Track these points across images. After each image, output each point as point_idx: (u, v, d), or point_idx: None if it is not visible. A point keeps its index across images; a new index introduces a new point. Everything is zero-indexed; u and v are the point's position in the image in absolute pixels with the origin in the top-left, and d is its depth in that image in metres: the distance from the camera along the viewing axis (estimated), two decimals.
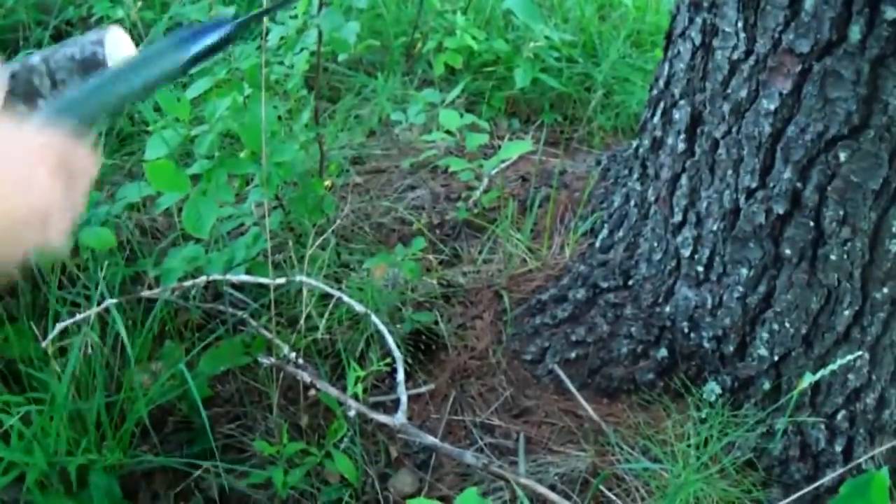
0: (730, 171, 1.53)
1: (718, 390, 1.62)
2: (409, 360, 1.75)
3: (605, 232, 1.89)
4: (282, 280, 1.65)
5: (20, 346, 1.62)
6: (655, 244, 1.72)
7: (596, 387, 1.69)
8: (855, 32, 1.30)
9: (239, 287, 1.82)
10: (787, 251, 1.50)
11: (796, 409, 1.56)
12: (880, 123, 1.34)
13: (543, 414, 1.67)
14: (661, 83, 1.71)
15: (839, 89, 1.35)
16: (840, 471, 1.54)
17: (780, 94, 1.41)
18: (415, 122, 2.20)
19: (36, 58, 0.72)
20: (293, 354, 1.59)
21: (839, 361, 1.41)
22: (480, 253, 1.99)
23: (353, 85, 2.61)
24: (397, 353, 1.60)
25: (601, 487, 1.52)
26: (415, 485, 1.60)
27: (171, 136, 1.67)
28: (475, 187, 2.22)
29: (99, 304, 1.56)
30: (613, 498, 1.52)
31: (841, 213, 1.42)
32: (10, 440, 1.45)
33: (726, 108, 1.51)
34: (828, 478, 1.52)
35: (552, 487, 1.50)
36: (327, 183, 1.97)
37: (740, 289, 1.57)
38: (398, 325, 1.77)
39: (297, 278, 1.63)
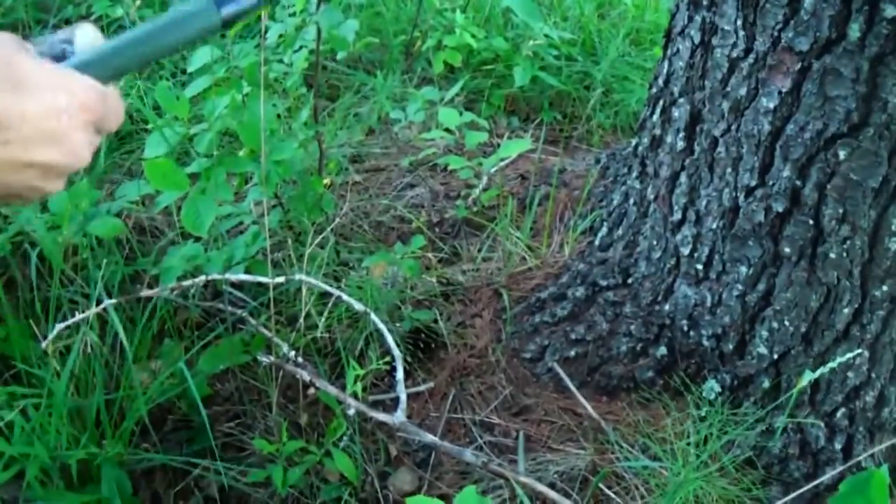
0: (729, 170, 1.53)
1: (718, 388, 1.62)
2: (409, 359, 1.75)
3: (604, 230, 1.89)
4: (281, 279, 1.65)
5: (19, 345, 1.62)
6: (655, 242, 1.72)
7: (595, 385, 1.69)
8: (854, 30, 1.30)
9: (238, 286, 1.82)
10: (787, 249, 1.50)
11: (796, 407, 1.56)
12: (880, 121, 1.33)
13: (543, 412, 1.67)
14: (661, 81, 1.71)
15: (838, 87, 1.35)
16: (840, 469, 1.54)
17: (780, 92, 1.41)
18: (414, 120, 2.20)
19: None
20: (292, 353, 1.59)
21: (839, 359, 1.41)
22: (480, 251, 1.99)
23: (352, 83, 2.61)
24: (396, 352, 1.60)
25: (601, 485, 1.52)
26: (414, 483, 1.60)
27: (170, 134, 1.67)
28: (474, 185, 2.22)
29: (98, 302, 1.56)
30: (613, 496, 1.52)
31: (840, 211, 1.42)
32: (10, 437, 1.45)
33: (726, 106, 1.51)
34: (827, 476, 1.52)
35: (552, 485, 1.50)
36: (326, 181, 1.97)
37: (740, 287, 1.57)
38: (397, 324, 1.77)
39: (297, 277, 1.63)
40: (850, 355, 1.44)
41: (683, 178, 1.63)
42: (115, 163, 2.22)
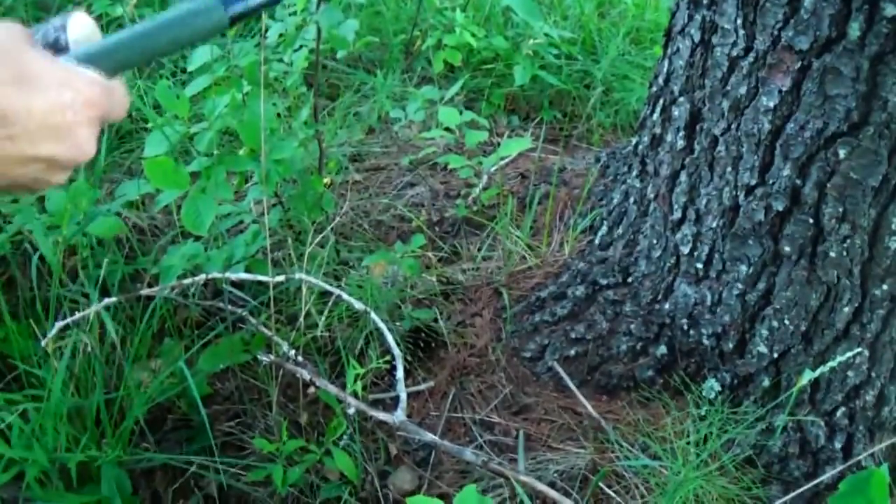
0: (729, 168, 1.53)
1: (718, 387, 1.62)
2: (409, 358, 1.75)
3: (604, 229, 1.88)
4: (281, 277, 1.65)
5: (19, 345, 1.62)
6: (655, 241, 1.72)
7: (595, 384, 1.69)
8: (854, 29, 1.30)
9: (238, 285, 1.82)
10: (787, 248, 1.50)
11: (796, 406, 1.56)
12: (880, 120, 1.33)
13: (543, 411, 1.67)
14: (661, 80, 1.71)
15: (838, 86, 1.35)
16: (840, 468, 1.54)
17: (780, 91, 1.41)
18: (414, 119, 2.20)
19: None
20: (292, 352, 1.59)
21: (839, 358, 1.40)
22: (480, 250, 1.99)
23: (352, 82, 2.61)
24: (397, 351, 1.60)
25: (601, 484, 1.52)
26: (414, 482, 1.60)
27: (170, 133, 1.67)
28: (474, 184, 2.22)
29: (98, 301, 1.56)
30: (613, 495, 1.52)
31: (840, 209, 1.42)
32: (9, 439, 1.45)
33: (726, 105, 1.50)
34: (827, 475, 1.52)
35: (552, 484, 1.50)
36: (326, 180, 1.97)
37: (740, 286, 1.57)
38: (397, 323, 1.77)
39: (297, 276, 1.63)
40: (850, 354, 1.43)
41: (683, 176, 1.63)
42: (115, 162, 2.22)
